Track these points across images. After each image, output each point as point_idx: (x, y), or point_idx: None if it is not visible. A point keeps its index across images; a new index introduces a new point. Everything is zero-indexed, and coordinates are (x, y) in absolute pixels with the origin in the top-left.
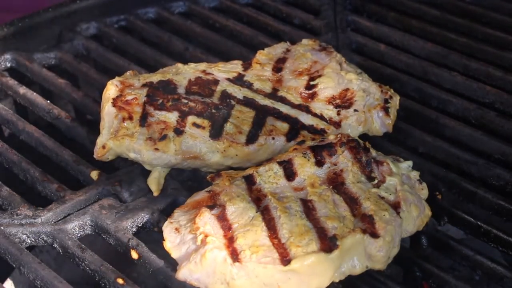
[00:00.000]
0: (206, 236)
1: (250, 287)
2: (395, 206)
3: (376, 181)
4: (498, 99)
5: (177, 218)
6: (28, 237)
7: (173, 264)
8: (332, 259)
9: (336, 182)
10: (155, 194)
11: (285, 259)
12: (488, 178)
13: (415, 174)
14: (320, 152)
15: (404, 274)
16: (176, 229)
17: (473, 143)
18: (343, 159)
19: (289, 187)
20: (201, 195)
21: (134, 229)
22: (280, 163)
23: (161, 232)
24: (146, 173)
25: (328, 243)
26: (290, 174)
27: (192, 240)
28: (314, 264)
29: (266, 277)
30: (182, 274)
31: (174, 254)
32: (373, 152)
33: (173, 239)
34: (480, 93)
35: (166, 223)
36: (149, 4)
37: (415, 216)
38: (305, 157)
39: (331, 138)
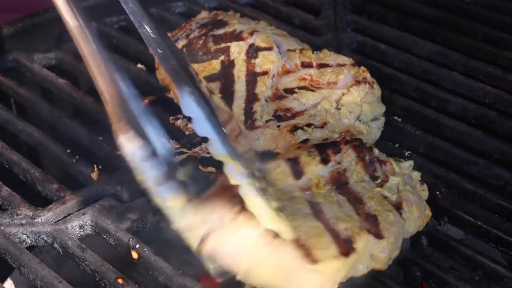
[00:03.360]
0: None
1: (272, 274)
2: (397, 207)
3: (379, 180)
4: (498, 99)
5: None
6: (28, 237)
7: (174, 264)
8: (351, 262)
9: (340, 182)
10: None
11: (310, 259)
12: (488, 178)
13: (416, 175)
14: (325, 150)
15: (404, 274)
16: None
17: (473, 143)
18: (347, 158)
19: (296, 186)
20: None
21: (134, 229)
22: (287, 161)
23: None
24: None
25: (345, 246)
26: (297, 173)
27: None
28: (339, 268)
29: (291, 270)
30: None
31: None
32: (376, 151)
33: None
34: (480, 93)
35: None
36: (149, 4)
37: (416, 217)
38: (310, 155)
39: (335, 136)
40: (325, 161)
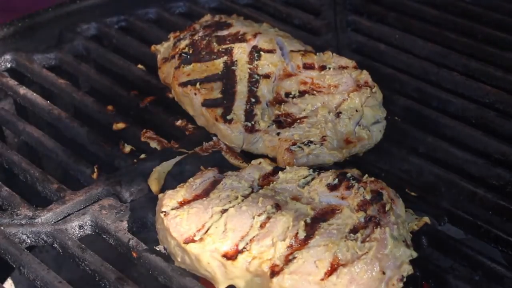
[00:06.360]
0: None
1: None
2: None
3: (355, 236)
4: (498, 99)
5: None
6: (28, 237)
7: (173, 264)
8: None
9: (324, 218)
10: (155, 194)
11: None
12: (488, 178)
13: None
14: (341, 178)
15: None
16: None
17: (473, 143)
18: (352, 200)
19: (295, 191)
20: None
21: (134, 229)
22: (310, 173)
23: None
24: (146, 173)
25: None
26: (304, 184)
27: None
28: None
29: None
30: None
31: None
32: (392, 216)
33: None
34: (480, 93)
35: None
36: (149, 5)
37: None
38: (328, 177)
39: (360, 176)
40: (332, 187)
